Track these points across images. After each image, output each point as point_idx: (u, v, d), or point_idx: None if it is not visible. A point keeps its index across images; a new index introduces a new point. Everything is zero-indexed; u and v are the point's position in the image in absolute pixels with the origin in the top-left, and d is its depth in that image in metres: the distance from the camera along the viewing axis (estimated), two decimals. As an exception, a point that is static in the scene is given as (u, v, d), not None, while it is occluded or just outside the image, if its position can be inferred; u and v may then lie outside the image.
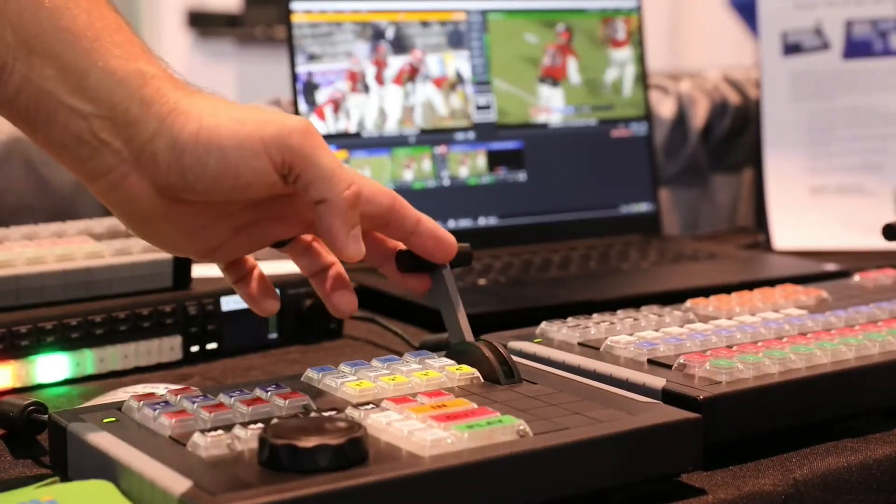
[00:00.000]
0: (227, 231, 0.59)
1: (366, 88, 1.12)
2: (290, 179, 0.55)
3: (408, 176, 1.13)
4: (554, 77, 1.22)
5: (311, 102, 1.10)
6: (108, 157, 0.54)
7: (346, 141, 1.10)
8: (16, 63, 0.53)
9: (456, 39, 1.17)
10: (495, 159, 1.17)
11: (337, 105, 1.10)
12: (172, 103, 0.54)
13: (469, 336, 0.63)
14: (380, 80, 1.13)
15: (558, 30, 1.22)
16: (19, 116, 0.55)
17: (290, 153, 0.55)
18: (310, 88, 1.10)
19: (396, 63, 1.14)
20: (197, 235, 0.58)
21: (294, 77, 1.09)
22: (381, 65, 1.13)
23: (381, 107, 1.12)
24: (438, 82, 1.16)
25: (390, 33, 1.14)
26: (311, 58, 1.10)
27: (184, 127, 0.54)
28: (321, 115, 1.10)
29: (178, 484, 0.48)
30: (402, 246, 0.63)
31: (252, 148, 0.54)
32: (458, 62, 1.17)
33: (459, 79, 1.16)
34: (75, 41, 0.54)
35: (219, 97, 0.57)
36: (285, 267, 0.89)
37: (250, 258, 0.63)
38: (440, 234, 0.61)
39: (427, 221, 0.61)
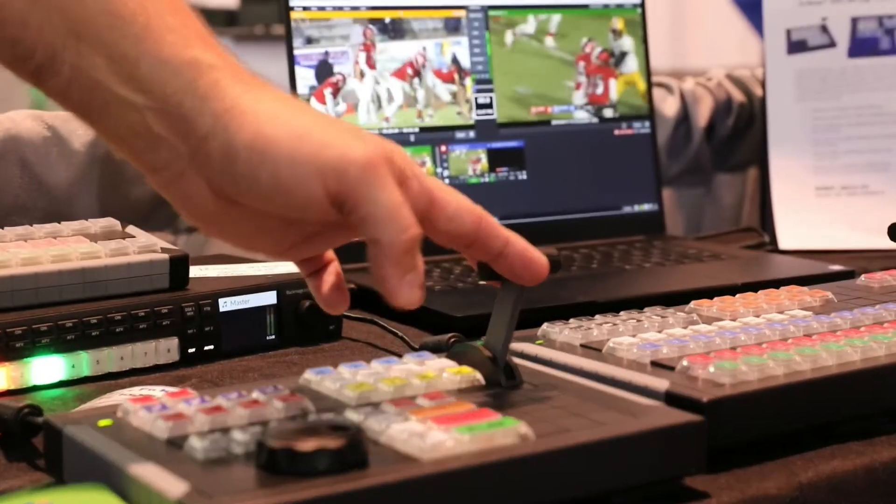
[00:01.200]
0: (296, 236, 0.56)
1: (363, 78, 1.11)
2: (344, 211, 0.51)
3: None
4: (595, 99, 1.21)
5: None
6: (164, 151, 0.51)
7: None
8: (65, 51, 0.50)
9: (456, 36, 1.16)
10: (496, 158, 1.17)
11: (336, 90, 1.10)
12: (230, 100, 0.51)
13: (505, 354, 0.62)
14: (375, 71, 1.12)
15: (582, 43, 1.22)
16: (75, 107, 0.52)
17: (346, 186, 0.50)
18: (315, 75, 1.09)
19: (397, 57, 1.13)
20: (262, 238, 0.55)
21: (293, 74, 1.08)
22: (370, 55, 1.12)
23: (382, 100, 1.12)
24: (443, 76, 1.15)
25: (389, 29, 1.13)
26: (309, 45, 1.09)
27: (239, 130, 0.50)
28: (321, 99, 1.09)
29: (174, 487, 0.47)
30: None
31: (306, 172, 0.50)
32: (459, 57, 1.16)
33: (461, 72, 1.16)
34: (125, 26, 0.50)
35: (285, 94, 0.53)
36: (282, 267, 0.88)
37: (330, 252, 0.60)
38: (530, 255, 0.57)
39: (516, 243, 0.56)
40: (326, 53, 1.10)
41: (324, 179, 0.50)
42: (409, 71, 1.13)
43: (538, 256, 0.57)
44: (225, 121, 0.50)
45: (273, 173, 0.50)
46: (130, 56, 0.50)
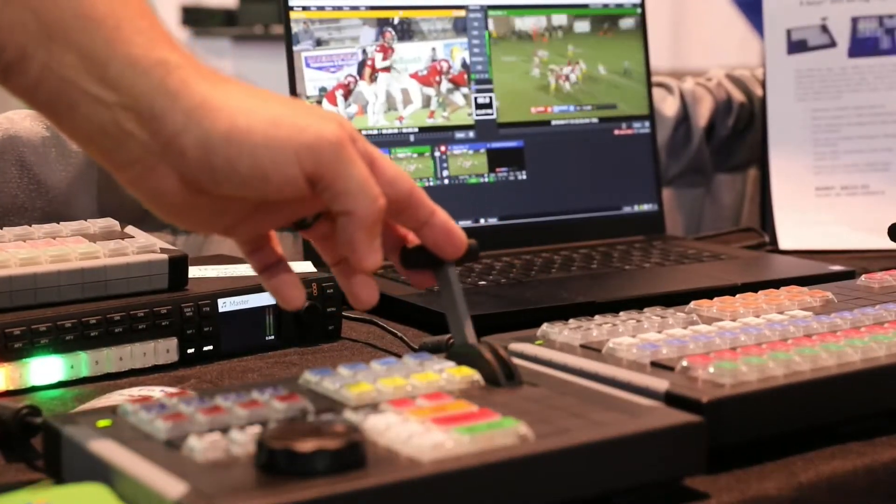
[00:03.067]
0: (249, 209, 0.58)
1: (371, 79, 1.11)
2: (317, 188, 0.55)
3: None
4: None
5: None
6: (134, 148, 0.53)
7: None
8: (37, 51, 0.52)
9: (456, 35, 1.16)
10: (496, 158, 1.17)
11: (347, 92, 1.10)
12: (200, 97, 0.53)
13: (472, 338, 0.63)
14: (378, 71, 1.12)
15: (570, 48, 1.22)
16: (41, 106, 0.54)
17: (321, 165, 0.54)
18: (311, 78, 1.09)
19: (405, 58, 1.13)
20: (218, 218, 0.57)
21: (292, 74, 1.08)
22: (377, 59, 1.12)
23: (385, 99, 1.12)
24: (456, 79, 1.15)
25: (389, 28, 1.13)
26: (316, 46, 1.09)
27: (214, 124, 0.53)
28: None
29: (173, 488, 0.47)
30: (411, 238, 0.61)
31: (284, 155, 0.53)
32: (460, 57, 1.16)
33: (464, 72, 1.16)
34: (96, 28, 0.52)
35: (250, 87, 0.56)
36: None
37: (278, 250, 0.62)
38: (452, 227, 0.60)
39: (441, 213, 0.60)
40: (337, 55, 1.10)
41: (301, 161, 0.54)
42: (437, 77, 1.14)
43: (459, 230, 0.60)
44: (198, 116, 0.53)
45: (251, 162, 0.53)
46: (101, 57, 0.52)
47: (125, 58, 0.52)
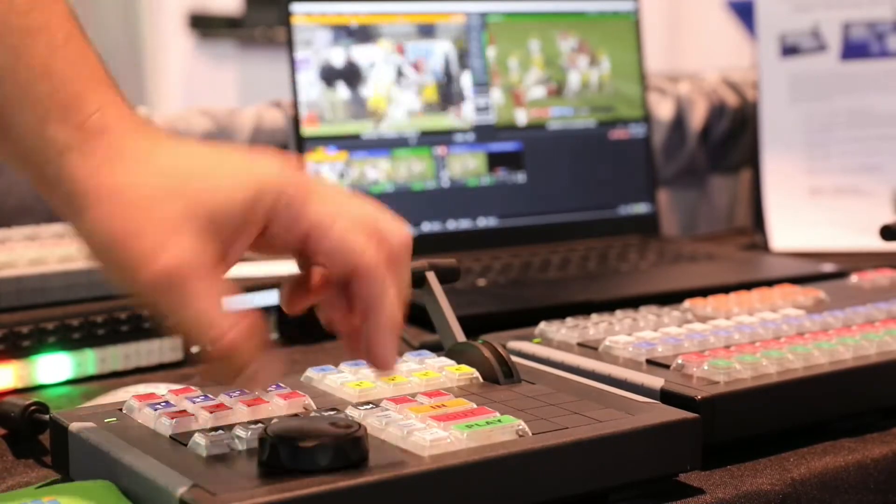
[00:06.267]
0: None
1: (366, 85, 1.12)
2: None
3: (408, 177, 1.12)
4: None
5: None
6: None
7: (346, 142, 1.10)
8: None
9: (456, 41, 1.17)
10: (495, 160, 1.17)
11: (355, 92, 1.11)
12: (83, 192, 0.48)
13: (461, 337, 0.63)
14: (380, 76, 1.13)
15: (571, 46, 1.22)
16: None
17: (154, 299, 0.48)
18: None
19: (397, 62, 1.14)
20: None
21: (294, 79, 1.09)
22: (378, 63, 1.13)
23: (385, 104, 1.12)
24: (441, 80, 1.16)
25: (390, 34, 1.14)
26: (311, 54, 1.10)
27: (88, 219, 0.48)
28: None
29: (178, 483, 0.48)
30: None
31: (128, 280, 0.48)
32: (459, 62, 1.17)
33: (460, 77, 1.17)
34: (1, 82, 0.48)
35: (146, 151, 0.49)
36: (283, 267, 0.89)
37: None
38: (377, 343, 0.51)
39: (376, 321, 0.51)
40: (344, 58, 1.10)
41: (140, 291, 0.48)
42: (436, 80, 1.14)
43: (383, 351, 0.51)
44: (76, 207, 0.49)
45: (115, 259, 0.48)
46: (3, 121, 0.49)
47: (19, 130, 0.49)
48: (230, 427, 0.53)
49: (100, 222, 0.48)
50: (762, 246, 1.26)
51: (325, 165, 1.09)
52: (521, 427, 0.54)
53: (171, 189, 0.49)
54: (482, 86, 1.18)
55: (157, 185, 0.49)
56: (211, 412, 0.55)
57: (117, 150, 0.49)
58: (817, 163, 1.28)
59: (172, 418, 0.54)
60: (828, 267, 1.05)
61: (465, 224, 1.14)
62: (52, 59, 0.50)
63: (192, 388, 0.60)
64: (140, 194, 0.48)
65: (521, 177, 1.18)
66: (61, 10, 0.51)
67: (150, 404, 0.56)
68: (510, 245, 1.14)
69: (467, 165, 1.16)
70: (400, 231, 0.52)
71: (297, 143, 1.09)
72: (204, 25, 3.46)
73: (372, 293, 0.50)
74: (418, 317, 0.91)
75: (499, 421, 0.54)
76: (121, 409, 0.58)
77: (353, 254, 0.50)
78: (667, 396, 0.61)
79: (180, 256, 0.47)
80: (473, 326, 0.64)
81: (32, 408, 0.63)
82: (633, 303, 0.81)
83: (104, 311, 0.78)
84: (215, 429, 0.53)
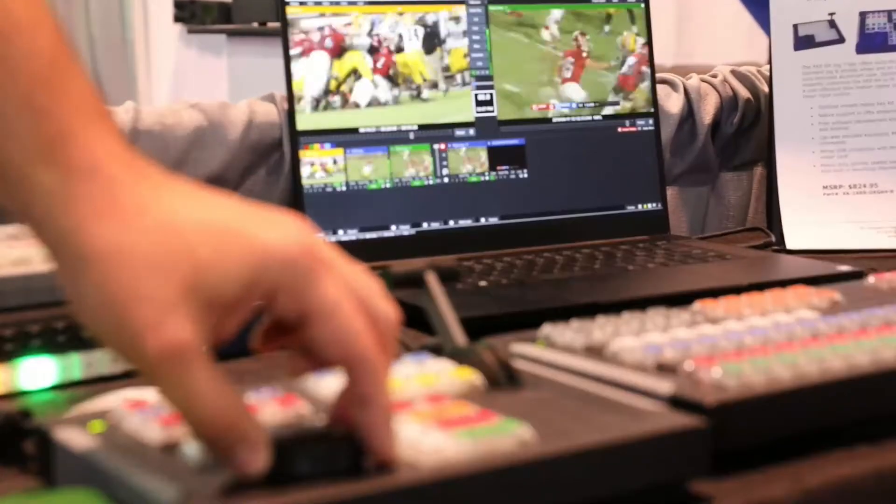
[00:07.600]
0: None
1: (363, 78, 1.11)
2: None
3: (407, 174, 1.11)
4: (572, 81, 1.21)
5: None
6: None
7: (342, 138, 1.09)
8: None
9: (456, 31, 1.16)
10: (497, 157, 1.16)
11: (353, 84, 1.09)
12: (73, 244, 0.46)
13: (462, 340, 0.62)
14: (378, 70, 1.12)
15: (574, 36, 1.21)
16: None
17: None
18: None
19: (397, 51, 1.13)
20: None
21: (288, 70, 1.07)
22: (379, 57, 1.12)
23: (383, 99, 1.11)
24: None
25: (387, 25, 1.12)
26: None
27: (84, 294, 0.46)
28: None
29: (167, 492, 0.47)
30: None
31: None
32: (460, 53, 1.16)
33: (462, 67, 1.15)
34: None
35: (134, 205, 0.47)
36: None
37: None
38: (374, 435, 0.50)
39: (372, 415, 0.50)
40: (341, 48, 1.09)
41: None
42: (435, 73, 1.13)
43: (380, 442, 0.50)
44: (65, 260, 0.47)
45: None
46: None
47: (2, 164, 0.46)
48: (220, 434, 0.52)
49: (90, 286, 0.46)
50: (775, 245, 1.26)
51: (321, 161, 1.08)
52: (524, 433, 0.53)
53: (173, 252, 0.47)
54: (484, 79, 1.16)
55: (156, 243, 0.46)
56: (200, 419, 0.54)
57: (110, 199, 0.46)
58: (833, 159, 1.27)
59: (161, 425, 0.53)
60: (843, 267, 1.03)
61: (466, 222, 1.13)
62: (33, 89, 0.47)
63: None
64: (137, 253, 0.46)
65: (524, 174, 1.17)
66: (47, 33, 0.48)
67: (139, 411, 0.56)
68: (513, 244, 1.13)
69: (468, 162, 1.14)
70: (391, 313, 0.52)
71: (292, 137, 1.07)
72: (191, 16, 3.46)
73: (369, 385, 0.50)
74: (418, 319, 0.90)
75: (501, 427, 0.53)
76: (108, 416, 0.57)
77: (353, 347, 0.50)
78: (676, 402, 0.60)
79: (181, 335, 0.46)
80: (475, 329, 0.64)
81: (16, 414, 0.63)
82: (641, 304, 0.80)
83: (91, 312, 0.76)
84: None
